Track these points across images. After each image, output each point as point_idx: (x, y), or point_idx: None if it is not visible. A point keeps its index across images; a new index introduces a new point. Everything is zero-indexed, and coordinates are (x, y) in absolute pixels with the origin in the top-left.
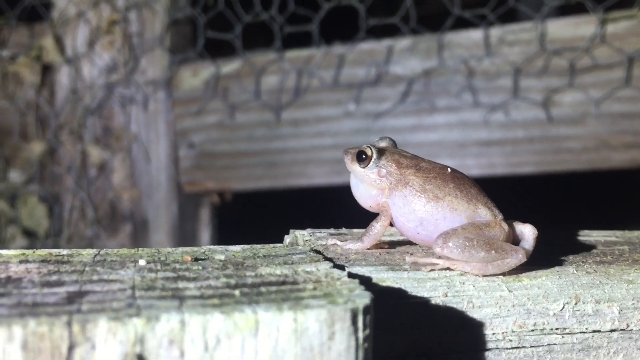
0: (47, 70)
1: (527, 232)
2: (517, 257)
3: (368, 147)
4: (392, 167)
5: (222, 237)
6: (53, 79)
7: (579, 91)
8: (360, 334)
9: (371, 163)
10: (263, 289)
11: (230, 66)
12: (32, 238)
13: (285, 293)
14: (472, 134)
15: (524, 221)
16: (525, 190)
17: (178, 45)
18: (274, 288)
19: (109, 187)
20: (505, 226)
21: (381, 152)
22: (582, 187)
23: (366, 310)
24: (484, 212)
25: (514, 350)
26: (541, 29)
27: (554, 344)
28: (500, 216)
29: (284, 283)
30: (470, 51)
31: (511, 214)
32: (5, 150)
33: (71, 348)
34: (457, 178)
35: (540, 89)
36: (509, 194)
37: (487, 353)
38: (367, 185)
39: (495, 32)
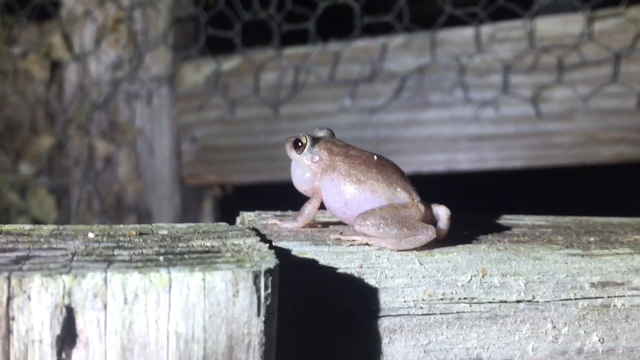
0: (55, 67)
1: (442, 212)
2: (427, 234)
3: (304, 135)
4: (324, 154)
5: None
6: (61, 75)
7: (568, 87)
8: (262, 293)
9: (305, 150)
10: (186, 256)
11: (230, 63)
12: None
13: (204, 259)
14: (463, 129)
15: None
16: (515, 184)
17: (181, 43)
18: (195, 256)
19: (115, 180)
20: (421, 207)
21: (316, 140)
22: (571, 181)
23: (268, 272)
24: (402, 195)
25: (425, 316)
26: (530, 27)
27: (463, 312)
28: (417, 198)
29: (208, 252)
30: (462, 48)
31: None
32: (16, 144)
33: (10, 299)
34: (382, 165)
35: (529, 85)
36: (499, 187)
37: (399, 318)
38: (302, 169)
39: (486, 29)
